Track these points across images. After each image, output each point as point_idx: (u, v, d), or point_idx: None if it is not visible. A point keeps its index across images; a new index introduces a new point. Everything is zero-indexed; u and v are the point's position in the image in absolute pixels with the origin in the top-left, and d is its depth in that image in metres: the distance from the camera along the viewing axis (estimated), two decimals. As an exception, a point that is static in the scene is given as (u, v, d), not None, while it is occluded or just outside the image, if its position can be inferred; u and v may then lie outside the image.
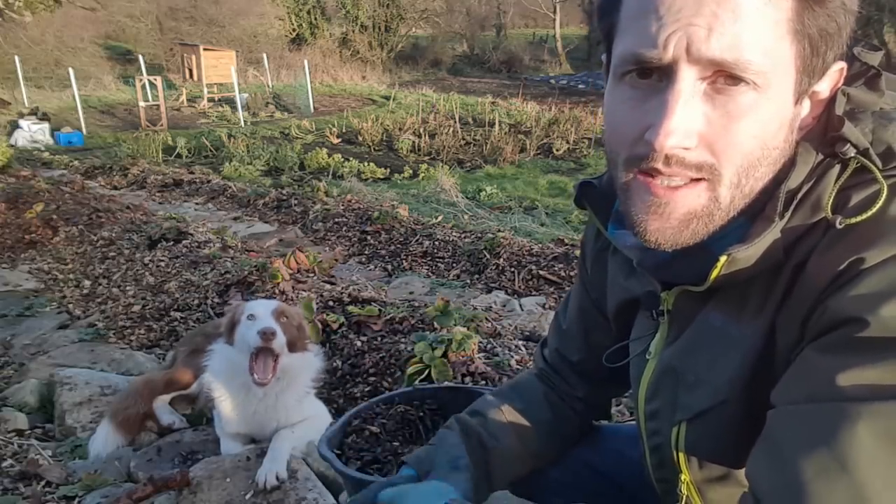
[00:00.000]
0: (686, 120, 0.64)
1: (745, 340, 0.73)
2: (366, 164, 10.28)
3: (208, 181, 8.26)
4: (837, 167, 0.68)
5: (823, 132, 0.70)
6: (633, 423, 1.02)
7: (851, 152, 0.67)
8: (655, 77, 0.66)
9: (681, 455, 0.83)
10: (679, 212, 0.69)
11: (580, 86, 20.87)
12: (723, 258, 0.68)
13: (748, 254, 0.68)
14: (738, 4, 0.61)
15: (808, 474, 0.56)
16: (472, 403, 1.11)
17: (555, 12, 30.07)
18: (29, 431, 2.27)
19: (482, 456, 1.00)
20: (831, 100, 0.70)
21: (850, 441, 0.55)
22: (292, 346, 1.83)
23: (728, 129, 0.65)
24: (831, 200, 0.67)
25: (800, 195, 0.68)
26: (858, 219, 0.63)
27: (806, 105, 0.70)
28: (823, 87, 0.69)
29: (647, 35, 0.64)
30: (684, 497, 0.85)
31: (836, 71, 0.69)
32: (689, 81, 0.64)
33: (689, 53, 0.63)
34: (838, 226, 0.64)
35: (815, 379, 0.61)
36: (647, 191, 0.69)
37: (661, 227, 0.70)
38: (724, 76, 0.64)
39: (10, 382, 2.74)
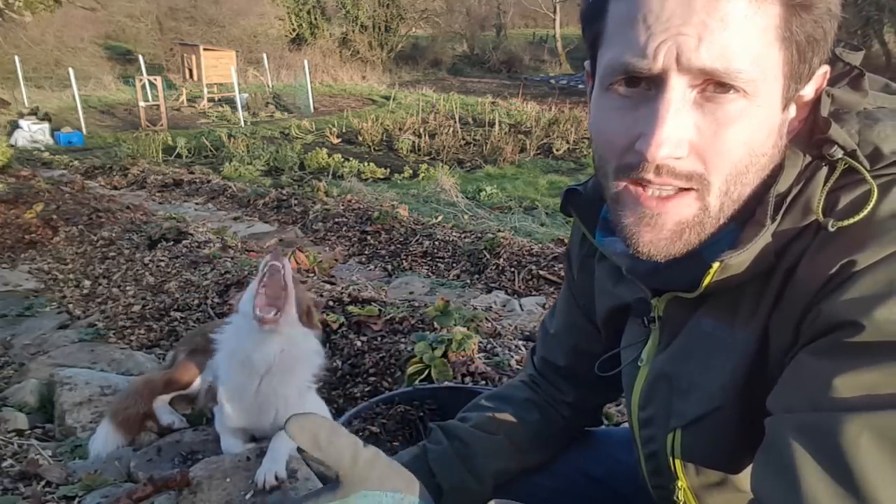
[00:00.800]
0: (677, 130, 0.64)
1: (738, 345, 0.73)
2: (366, 164, 10.28)
3: (208, 181, 8.26)
4: (825, 169, 0.68)
5: (810, 134, 0.70)
6: (625, 426, 1.01)
7: (839, 154, 0.67)
8: (644, 85, 0.66)
9: (677, 462, 0.82)
10: (671, 222, 0.68)
11: (580, 86, 20.85)
12: (715, 265, 0.68)
13: (740, 259, 0.68)
14: (727, 13, 0.61)
15: (818, 492, 0.56)
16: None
17: (555, 12, 30.06)
18: (29, 431, 2.27)
19: (463, 451, 1.00)
20: (816, 101, 0.70)
21: (856, 455, 0.55)
22: (300, 318, 1.76)
23: (718, 137, 0.64)
24: (821, 203, 0.66)
25: (789, 198, 0.68)
26: (850, 221, 0.63)
27: (792, 109, 0.70)
28: (808, 91, 0.69)
29: (635, 44, 0.64)
30: (681, 503, 0.85)
31: (821, 74, 0.69)
32: (679, 91, 0.63)
33: (679, 63, 0.62)
34: (830, 229, 0.64)
35: (812, 385, 0.61)
36: (638, 203, 0.69)
37: (654, 239, 0.69)
38: (713, 84, 0.63)
39: (10, 382, 2.74)
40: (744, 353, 0.73)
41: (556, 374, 1.10)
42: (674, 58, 0.62)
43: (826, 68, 0.69)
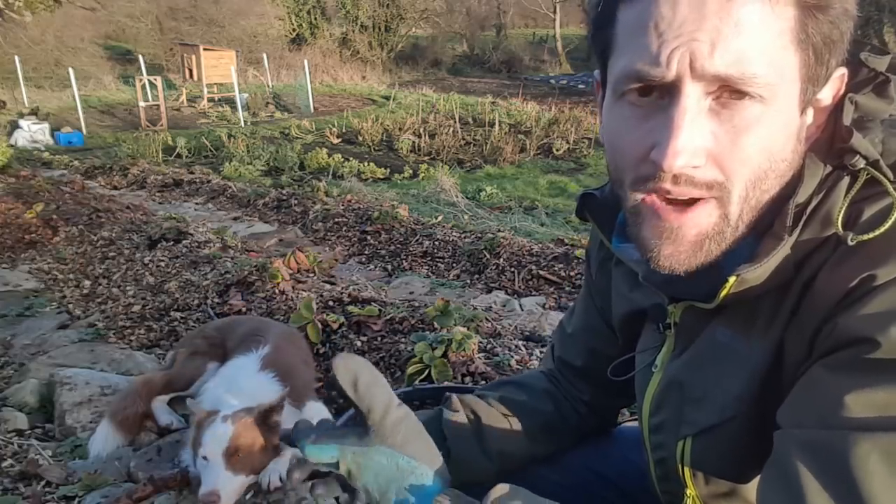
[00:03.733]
0: (693, 138, 0.62)
1: (753, 357, 0.72)
2: (366, 164, 10.28)
3: (208, 181, 8.25)
4: (847, 179, 0.66)
5: (830, 143, 0.68)
6: (636, 424, 1.01)
7: (861, 164, 0.64)
8: (657, 94, 0.64)
9: (686, 469, 0.81)
10: (691, 234, 0.67)
11: (580, 86, 20.87)
12: (732, 279, 0.67)
13: (757, 273, 0.66)
14: (741, 17, 0.59)
15: None
16: None
17: (555, 12, 30.06)
18: (29, 431, 2.27)
19: (477, 426, 1.00)
20: (836, 108, 0.68)
21: (863, 476, 0.54)
22: (262, 463, 1.62)
23: (736, 144, 0.62)
24: (842, 215, 0.64)
25: (809, 210, 0.66)
26: (871, 235, 0.61)
27: (809, 114, 0.67)
28: (825, 95, 0.67)
29: (648, 52, 0.62)
30: None
31: (837, 77, 0.67)
32: (694, 98, 0.62)
33: (693, 70, 0.60)
34: (850, 243, 0.62)
35: (823, 401, 0.60)
36: (657, 216, 0.67)
37: (675, 252, 0.68)
38: (728, 90, 0.61)
39: (10, 382, 2.74)
40: (758, 365, 0.71)
41: (572, 374, 1.10)
42: (687, 65, 0.60)
43: (843, 70, 0.67)
